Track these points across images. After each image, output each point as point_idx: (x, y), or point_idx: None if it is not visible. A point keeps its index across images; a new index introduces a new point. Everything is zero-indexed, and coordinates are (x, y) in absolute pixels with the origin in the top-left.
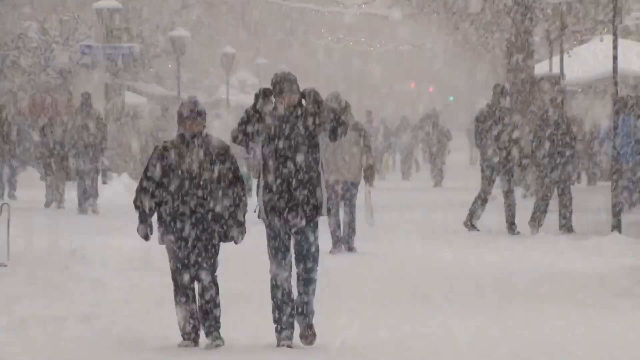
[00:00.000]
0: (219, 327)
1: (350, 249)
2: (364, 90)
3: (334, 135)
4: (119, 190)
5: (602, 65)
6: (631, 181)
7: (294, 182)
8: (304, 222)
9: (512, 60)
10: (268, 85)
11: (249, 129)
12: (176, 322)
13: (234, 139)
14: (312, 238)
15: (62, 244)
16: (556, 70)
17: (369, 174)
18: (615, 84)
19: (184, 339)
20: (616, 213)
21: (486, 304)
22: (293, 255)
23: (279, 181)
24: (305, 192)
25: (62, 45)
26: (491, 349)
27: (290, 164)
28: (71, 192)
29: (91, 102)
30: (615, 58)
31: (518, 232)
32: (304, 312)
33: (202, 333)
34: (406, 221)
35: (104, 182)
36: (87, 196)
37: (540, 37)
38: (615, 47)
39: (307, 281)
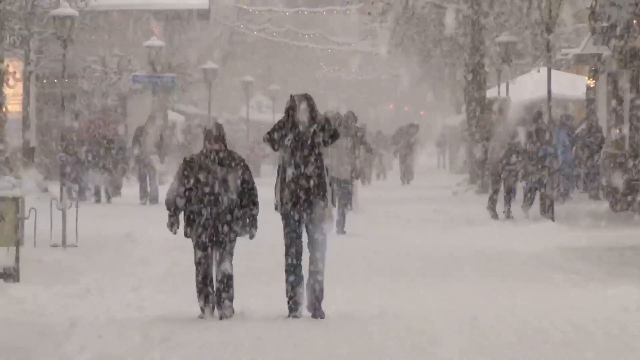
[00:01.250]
0: (232, 300)
1: (341, 232)
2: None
3: (331, 140)
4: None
5: (539, 91)
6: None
7: (306, 182)
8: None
9: (469, 87)
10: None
11: (275, 135)
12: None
13: (264, 139)
14: (320, 226)
15: (120, 229)
16: (503, 94)
17: (358, 172)
18: (549, 105)
19: (203, 311)
20: (549, 205)
21: (449, 277)
22: (305, 242)
23: (293, 182)
24: (315, 190)
25: (118, 75)
26: (453, 312)
27: (303, 168)
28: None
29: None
30: (549, 85)
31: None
32: (316, 292)
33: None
34: (385, 212)
35: (161, 183)
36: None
37: (490, 69)
38: (549, 77)
39: (317, 261)
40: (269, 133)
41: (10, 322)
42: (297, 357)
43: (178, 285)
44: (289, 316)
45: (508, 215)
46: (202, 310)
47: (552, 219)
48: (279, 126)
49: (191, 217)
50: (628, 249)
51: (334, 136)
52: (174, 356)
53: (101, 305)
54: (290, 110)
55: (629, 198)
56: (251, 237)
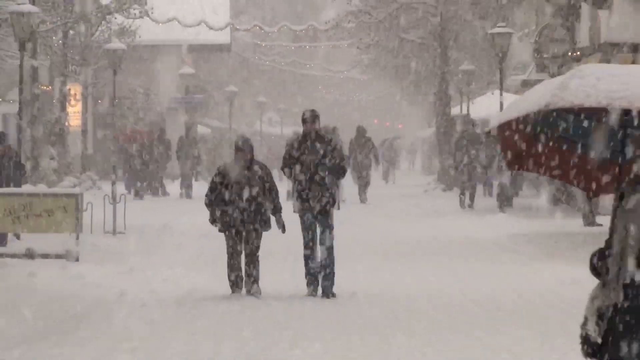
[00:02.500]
0: (258, 281)
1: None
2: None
3: (337, 175)
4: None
5: (494, 109)
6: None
7: (316, 189)
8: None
9: (437, 105)
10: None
11: (287, 162)
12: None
13: (282, 169)
14: (329, 222)
15: (159, 220)
16: (465, 112)
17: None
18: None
19: (233, 290)
20: (502, 201)
21: (423, 258)
22: (318, 236)
23: (307, 189)
24: (324, 195)
25: (158, 96)
26: (426, 287)
27: (314, 177)
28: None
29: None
30: (501, 104)
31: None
32: (329, 276)
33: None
34: (371, 205)
35: (196, 180)
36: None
37: (454, 91)
38: (501, 98)
39: (328, 250)
40: (283, 162)
41: (72, 293)
42: (300, 324)
43: (205, 265)
44: (307, 295)
45: (471, 206)
46: (232, 288)
47: (505, 211)
48: (290, 153)
49: (223, 212)
50: (563, 235)
51: (341, 170)
52: (202, 320)
53: (144, 280)
54: (308, 133)
55: (564, 195)
56: (283, 230)
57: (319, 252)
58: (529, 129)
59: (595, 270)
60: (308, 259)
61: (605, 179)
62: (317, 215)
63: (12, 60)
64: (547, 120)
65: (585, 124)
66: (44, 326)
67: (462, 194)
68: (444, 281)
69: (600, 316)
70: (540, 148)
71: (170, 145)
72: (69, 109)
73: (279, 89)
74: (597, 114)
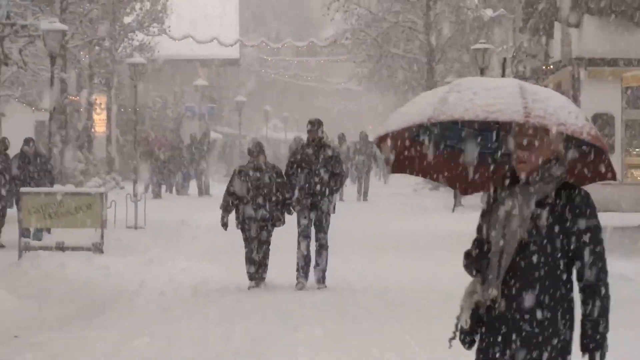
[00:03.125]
0: (266, 273)
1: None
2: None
3: (335, 181)
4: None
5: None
6: None
7: (316, 192)
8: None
9: None
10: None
11: (291, 171)
12: (242, 264)
13: (286, 174)
14: (325, 225)
15: (176, 216)
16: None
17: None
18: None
19: (250, 279)
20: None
21: (412, 250)
22: (313, 237)
23: (307, 193)
24: (322, 199)
25: (175, 105)
26: (415, 276)
27: (314, 182)
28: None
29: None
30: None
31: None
32: (321, 268)
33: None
34: (367, 202)
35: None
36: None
37: None
38: None
39: (322, 250)
40: (286, 170)
41: (97, 282)
42: (302, 311)
43: (218, 257)
44: (296, 285)
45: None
46: (250, 278)
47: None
48: (295, 158)
49: (240, 212)
50: None
51: (339, 175)
52: (214, 307)
53: (162, 271)
54: (313, 140)
55: None
56: (283, 222)
57: (313, 251)
58: (410, 135)
59: (467, 268)
60: (302, 256)
61: (479, 179)
62: (315, 218)
63: (44, 73)
64: (427, 128)
65: (463, 132)
66: (72, 311)
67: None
68: (432, 272)
69: (476, 310)
70: (421, 153)
71: (181, 149)
72: (95, 117)
73: (282, 99)
74: (472, 122)
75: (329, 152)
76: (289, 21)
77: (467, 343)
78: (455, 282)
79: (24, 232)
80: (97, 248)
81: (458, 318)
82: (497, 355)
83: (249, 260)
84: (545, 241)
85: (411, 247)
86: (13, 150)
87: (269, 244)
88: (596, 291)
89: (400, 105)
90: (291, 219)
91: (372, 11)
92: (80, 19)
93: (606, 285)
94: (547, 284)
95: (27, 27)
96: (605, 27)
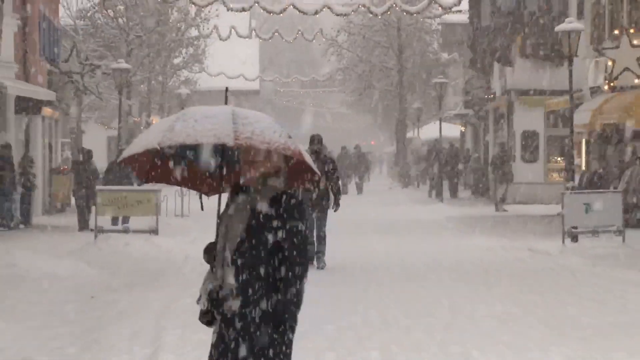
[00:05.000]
0: None
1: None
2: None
3: (332, 183)
4: None
5: (436, 133)
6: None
7: (318, 194)
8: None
9: (397, 131)
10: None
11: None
12: None
13: None
14: (324, 218)
15: (212, 206)
16: (416, 135)
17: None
18: (440, 140)
19: None
20: (439, 195)
21: (389, 233)
22: (315, 229)
23: (311, 193)
24: (323, 198)
25: None
26: (393, 254)
27: (317, 184)
28: None
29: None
30: (440, 130)
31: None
32: (321, 254)
33: None
34: (352, 198)
35: None
36: None
37: (409, 122)
38: (440, 126)
39: (322, 238)
40: None
41: (153, 256)
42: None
43: None
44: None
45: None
46: None
47: (442, 201)
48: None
49: None
50: (481, 217)
51: (335, 169)
52: None
53: (201, 247)
54: (313, 151)
55: (481, 189)
56: None
57: (315, 238)
58: (159, 153)
59: (205, 259)
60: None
61: (214, 184)
62: (317, 213)
63: (114, 101)
64: (173, 147)
65: (197, 148)
66: (134, 278)
67: (430, 190)
68: (402, 248)
69: (210, 294)
70: (164, 164)
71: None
72: None
73: (292, 120)
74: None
75: (328, 160)
76: (296, 62)
77: (206, 321)
78: (424, 257)
79: (114, 221)
80: (153, 231)
81: (197, 302)
82: (229, 338)
83: None
84: (259, 238)
85: (385, 230)
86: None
87: None
88: (288, 280)
89: (378, 125)
90: None
91: (358, 55)
92: (141, 60)
93: (296, 276)
94: (262, 274)
95: (101, 66)
96: (531, 67)
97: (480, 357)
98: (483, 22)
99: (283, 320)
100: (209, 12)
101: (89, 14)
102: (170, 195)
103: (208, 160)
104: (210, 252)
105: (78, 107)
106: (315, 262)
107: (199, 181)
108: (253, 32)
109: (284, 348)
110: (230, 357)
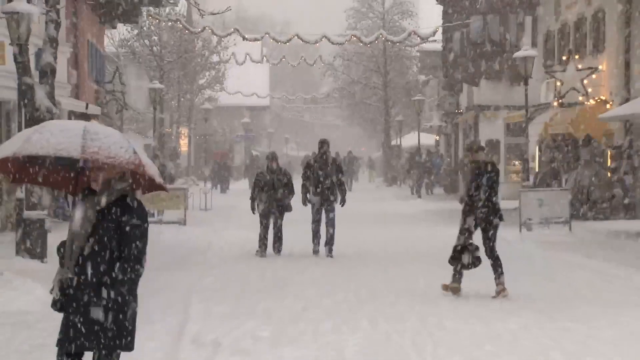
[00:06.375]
0: (282, 244)
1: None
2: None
3: (339, 183)
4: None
5: (415, 142)
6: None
7: (325, 191)
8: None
9: (383, 139)
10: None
11: (308, 172)
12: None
13: (303, 176)
14: (332, 210)
15: (230, 203)
16: (399, 143)
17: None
18: (419, 148)
19: (260, 250)
20: (418, 192)
21: (376, 224)
22: (323, 220)
23: (319, 188)
24: (331, 193)
25: (229, 134)
26: (378, 241)
27: (324, 183)
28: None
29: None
30: (419, 139)
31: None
32: (331, 242)
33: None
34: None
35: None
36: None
37: (393, 132)
38: (419, 135)
39: (332, 228)
40: (304, 171)
41: (182, 243)
42: (304, 262)
43: (256, 228)
44: (313, 253)
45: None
46: (259, 250)
47: (420, 197)
48: (308, 164)
49: (259, 200)
50: (451, 211)
51: (339, 171)
52: (254, 259)
53: (223, 236)
54: (322, 153)
55: (452, 188)
56: (290, 210)
57: (325, 228)
58: (19, 158)
59: (58, 254)
60: (316, 229)
61: (70, 186)
62: (326, 205)
63: (149, 114)
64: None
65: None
66: (166, 261)
67: (412, 188)
68: (387, 236)
69: (61, 284)
70: (28, 168)
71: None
72: (180, 142)
73: (296, 131)
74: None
75: (333, 162)
76: (300, 82)
77: (57, 309)
78: (405, 243)
79: (151, 214)
80: (182, 222)
81: (50, 292)
82: (75, 320)
83: (261, 237)
84: (105, 235)
85: (372, 221)
86: None
87: (282, 224)
88: (122, 270)
89: (367, 135)
90: (299, 208)
91: (350, 77)
92: (172, 81)
93: (132, 268)
94: (107, 268)
95: (140, 86)
96: (493, 86)
97: (451, 325)
98: (454, 50)
99: (122, 308)
100: (228, 41)
101: (129, 43)
102: (195, 193)
103: (63, 166)
104: (60, 249)
105: (120, 119)
106: (326, 252)
107: (61, 183)
108: (264, 58)
109: (123, 332)
110: (76, 344)
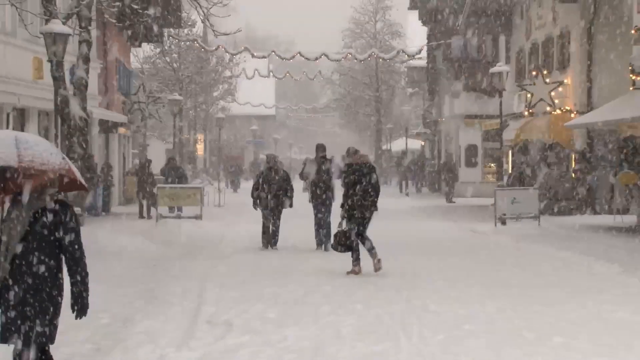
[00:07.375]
0: (277, 240)
1: None
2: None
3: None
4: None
5: (402, 147)
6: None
7: (322, 190)
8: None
9: (375, 144)
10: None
11: (305, 173)
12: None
13: (300, 176)
14: (329, 208)
15: (240, 200)
16: (389, 148)
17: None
18: (407, 151)
19: (263, 245)
20: (404, 191)
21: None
22: (321, 220)
23: (317, 188)
24: (327, 192)
25: (240, 140)
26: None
27: (321, 183)
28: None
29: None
30: (406, 144)
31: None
32: (327, 237)
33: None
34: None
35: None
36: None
37: (384, 137)
38: (406, 141)
39: (327, 224)
40: (301, 172)
41: (198, 236)
42: (306, 255)
43: (252, 230)
44: (316, 249)
45: (400, 191)
46: (263, 244)
47: (408, 195)
48: (307, 166)
49: (260, 198)
50: (436, 207)
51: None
52: (261, 251)
53: (234, 229)
54: (320, 156)
55: (436, 187)
56: (290, 206)
57: (320, 227)
58: None
59: None
60: (318, 228)
61: (3, 191)
62: (323, 203)
63: (170, 122)
64: None
65: None
66: (184, 251)
67: (401, 187)
68: (377, 230)
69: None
70: None
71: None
72: (197, 146)
73: (298, 136)
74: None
75: (329, 163)
76: (302, 94)
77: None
78: (394, 235)
79: (171, 210)
80: (198, 217)
81: None
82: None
83: (263, 231)
84: (38, 239)
85: (376, 217)
86: (156, 165)
87: (280, 218)
88: (74, 269)
89: (361, 140)
90: (297, 205)
91: (346, 89)
92: (189, 94)
93: (81, 265)
94: (42, 270)
95: (161, 97)
96: (472, 97)
97: (436, 308)
98: (437, 66)
99: (56, 302)
100: (239, 58)
101: (152, 60)
102: (211, 192)
103: None
104: None
105: (144, 127)
106: (322, 247)
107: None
108: (271, 72)
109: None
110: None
